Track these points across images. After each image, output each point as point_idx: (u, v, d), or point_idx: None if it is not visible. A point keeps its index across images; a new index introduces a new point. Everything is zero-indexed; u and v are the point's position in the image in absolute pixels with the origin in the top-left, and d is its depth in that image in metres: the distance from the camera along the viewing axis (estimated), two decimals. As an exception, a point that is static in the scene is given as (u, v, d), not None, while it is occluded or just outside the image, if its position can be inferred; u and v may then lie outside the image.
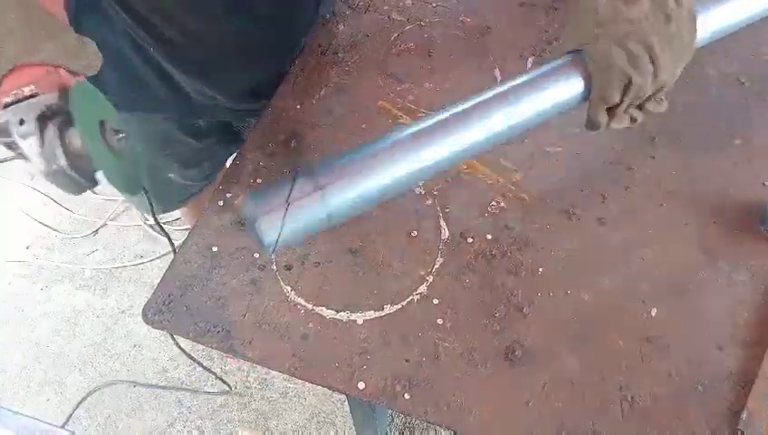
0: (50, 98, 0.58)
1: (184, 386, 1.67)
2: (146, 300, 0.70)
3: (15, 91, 0.58)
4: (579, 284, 0.70)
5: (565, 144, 0.82)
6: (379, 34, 0.95)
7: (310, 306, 0.68)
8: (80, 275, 1.91)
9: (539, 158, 0.80)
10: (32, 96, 0.58)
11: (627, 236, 0.73)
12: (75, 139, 0.58)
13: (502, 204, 0.76)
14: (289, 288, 0.70)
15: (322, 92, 0.88)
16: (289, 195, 0.51)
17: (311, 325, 0.67)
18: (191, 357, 0.87)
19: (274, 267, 0.71)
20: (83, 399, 1.65)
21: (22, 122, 0.57)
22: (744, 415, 0.60)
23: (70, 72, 0.61)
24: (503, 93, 0.61)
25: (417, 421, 1.50)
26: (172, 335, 0.73)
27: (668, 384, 0.63)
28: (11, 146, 0.59)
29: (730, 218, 0.74)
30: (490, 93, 0.61)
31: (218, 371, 1.69)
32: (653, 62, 0.60)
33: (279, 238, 0.52)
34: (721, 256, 0.71)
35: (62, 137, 0.58)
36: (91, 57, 0.63)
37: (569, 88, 0.62)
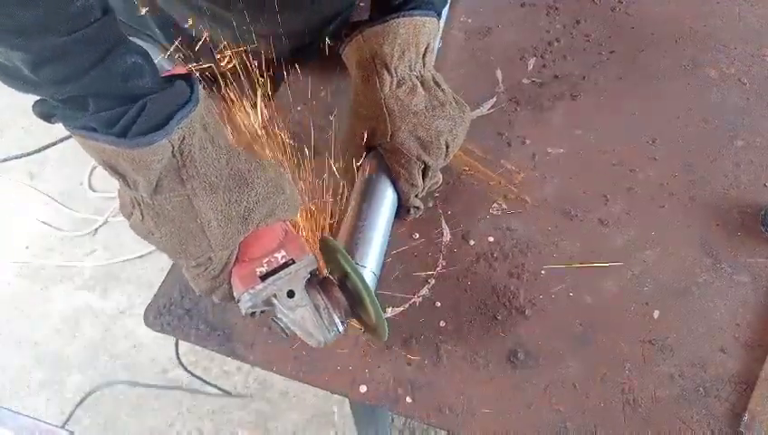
0: (311, 262, 0.55)
1: (184, 386, 1.67)
2: (146, 300, 0.70)
3: (268, 260, 0.55)
4: (581, 286, 0.69)
5: (567, 145, 0.81)
6: (379, 35, 0.95)
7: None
8: (80, 275, 1.91)
9: (540, 159, 0.80)
10: (286, 263, 0.55)
11: (629, 237, 0.73)
12: (342, 298, 0.57)
13: (503, 206, 0.76)
14: (290, 291, 0.70)
15: (323, 93, 0.88)
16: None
17: (312, 328, 0.67)
18: (190, 372, 0.86)
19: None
20: (83, 399, 1.65)
21: (291, 294, 0.54)
22: (745, 417, 0.60)
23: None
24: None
25: (417, 422, 1.50)
26: (177, 351, 0.73)
27: (670, 386, 0.63)
28: (257, 313, 0.57)
29: (732, 220, 0.74)
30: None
31: (218, 370, 1.69)
32: (447, 145, 0.68)
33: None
34: (723, 257, 0.71)
35: (330, 300, 0.56)
36: (298, 201, 0.60)
37: (389, 191, 0.70)
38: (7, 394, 1.70)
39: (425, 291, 0.70)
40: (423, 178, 0.69)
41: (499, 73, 0.90)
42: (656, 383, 0.63)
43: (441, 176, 0.72)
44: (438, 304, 0.68)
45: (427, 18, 0.68)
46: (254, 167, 0.54)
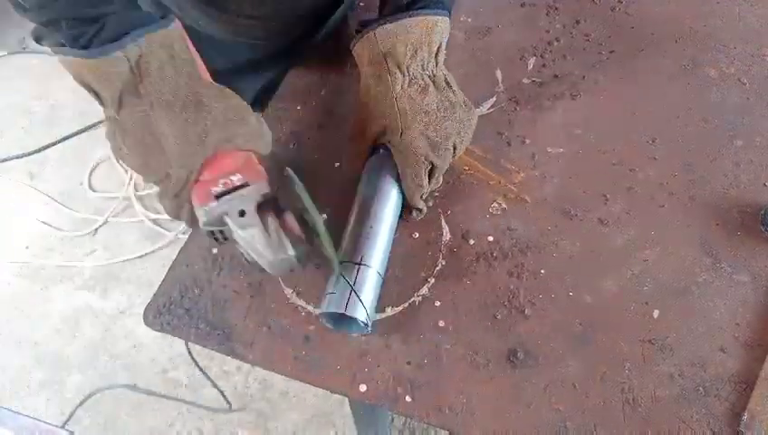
0: (264, 187, 0.59)
1: (184, 385, 1.67)
2: (146, 300, 0.70)
3: (224, 181, 0.59)
4: (581, 285, 0.69)
5: (567, 145, 0.81)
6: (379, 35, 0.95)
7: (311, 308, 0.68)
8: (80, 275, 1.91)
9: (540, 158, 0.80)
10: (242, 186, 0.58)
11: (628, 237, 0.73)
12: (294, 224, 0.58)
13: (503, 205, 0.76)
14: (290, 290, 0.70)
15: (323, 93, 0.88)
16: (354, 283, 0.62)
17: (312, 328, 0.67)
18: (205, 374, 0.87)
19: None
20: (84, 400, 1.65)
21: (242, 213, 0.57)
22: (745, 417, 0.60)
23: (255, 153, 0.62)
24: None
25: (417, 422, 1.50)
26: (189, 350, 0.73)
27: (670, 386, 0.63)
28: (217, 234, 0.60)
29: (732, 220, 0.74)
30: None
31: (218, 370, 1.69)
32: (454, 147, 0.69)
33: (368, 314, 0.62)
34: (723, 257, 0.71)
35: (282, 225, 0.58)
36: (267, 136, 0.64)
37: (394, 190, 0.71)
38: (7, 394, 1.70)
39: (424, 290, 0.70)
40: (429, 179, 0.69)
41: (499, 73, 0.90)
42: (655, 383, 0.63)
43: (442, 177, 0.72)
44: (438, 303, 0.68)
45: (440, 17, 0.68)
46: (213, 93, 0.60)
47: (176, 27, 0.59)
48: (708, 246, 0.72)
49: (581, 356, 0.65)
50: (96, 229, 1.99)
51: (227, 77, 0.97)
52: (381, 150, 0.72)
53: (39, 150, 2.18)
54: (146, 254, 1.93)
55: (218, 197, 0.58)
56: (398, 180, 0.70)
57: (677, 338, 0.66)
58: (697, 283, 0.69)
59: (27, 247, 1.98)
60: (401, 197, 0.71)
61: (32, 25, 0.58)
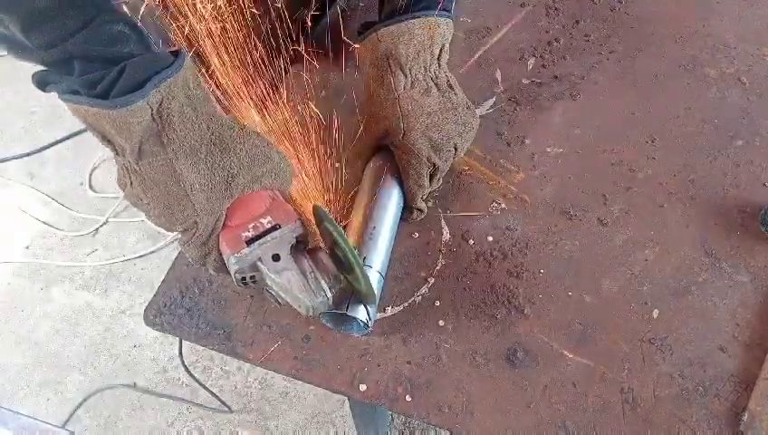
0: (297, 228, 0.56)
1: (184, 385, 1.67)
2: (146, 300, 0.70)
3: (254, 224, 0.56)
4: (580, 285, 0.69)
5: (566, 145, 0.81)
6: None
7: (311, 308, 0.68)
8: (80, 275, 1.91)
9: (540, 159, 0.80)
10: (273, 228, 0.56)
11: (628, 237, 0.73)
12: (330, 264, 0.57)
13: (503, 205, 0.76)
14: (290, 290, 0.70)
15: (322, 93, 0.88)
16: (351, 283, 0.60)
17: (312, 327, 0.67)
18: (199, 382, 0.86)
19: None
20: (84, 400, 1.65)
21: (276, 258, 0.55)
22: (745, 416, 0.60)
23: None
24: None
25: (417, 422, 1.50)
26: (182, 358, 0.72)
27: (670, 386, 0.63)
28: (248, 280, 0.57)
29: (731, 219, 0.74)
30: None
31: (218, 370, 1.69)
32: (455, 148, 0.69)
33: (369, 314, 0.62)
34: (722, 257, 0.71)
35: (318, 266, 0.56)
36: (291, 170, 0.61)
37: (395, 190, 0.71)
38: (7, 394, 1.70)
39: (424, 290, 0.70)
40: (430, 181, 0.70)
41: (498, 73, 0.90)
42: (655, 383, 0.63)
43: (442, 178, 0.73)
44: (438, 303, 0.69)
45: (442, 19, 0.68)
46: (236, 134, 0.56)
47: (189, 65, 0.54)
48: (708, 246, 0.72)
49: (581, 356, 0.65)
50: (96, 229, 1.99)
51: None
52: (383, 151, 0.72)
53: (39, 150, 2.18)
54: (146, 254, 1.92)
55: (249, 242, 0.55)
56: (400, 181, 0.70)
57: (677, 338, 0.66)
58: (697, 283, 0.69)
59: (27, 247, 1.97)
60: (402, 197, 0.71)
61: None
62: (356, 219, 0.68)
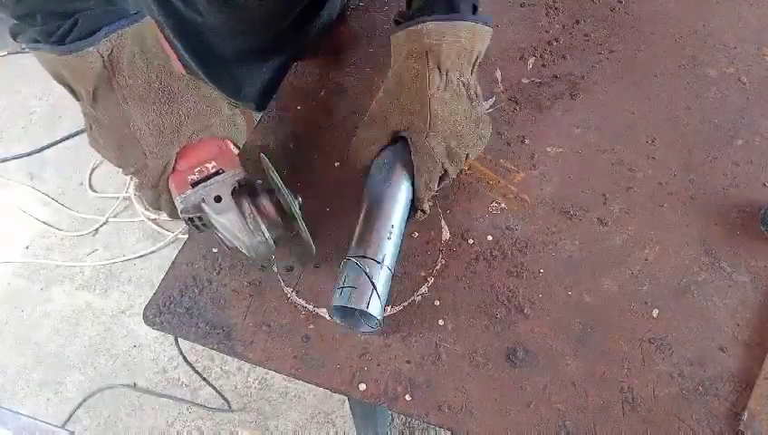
0: (239, 173, 0.61)
1: (184, 385, 1.67)
2: (146, 300, 0.70)
3: (199, 169, 0.61)
4: (580, 285, 0.69)
5: (566, 145, 0.81)
6: (379, 35, 0.95)
7: (311, 308, 0.68)
8: (80, 275, 1.91)
9: (540, 158, 0.80)
10: (217, 173, 0.61)
11: (628, 237, 0.73)
12: (270, 208, 0.61)
13: (503, 205, 0.76)
14: (290, 289, 0.70)
15: (322, 93, 0.88)
16: (371, 280, 0.62)
17: (312, 327, 0.67)
18: (201, 376, 0.86)
19: (275, 269, 0.71)
20: (84, 400, 1.65)
21: (218, 199, 0.59)
22: (745, 416, 0.60)
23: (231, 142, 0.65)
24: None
25: (417, 421, 1.51)
26: (182, 353, 0.73)
27: (670, 385, 0.63)
28: (195, 221, 0.62)
29: (731, 219, 0.74)
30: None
31: (218, 370, 1.69)
32: (467, 157, 0.70)
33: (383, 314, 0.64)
34: (722, 256, 0.71)
35: (258, 209, 0.60)
36: (241, 125, 0.67)
37: (406, 185, 0.70)
38: (7, 394, 1.70)
39: (424, 290, 0.70)
40: (438, 184, 0.70)
41: (498, 73, 0.90)
42: (655, 382, 0.63)
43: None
44: (437, 302, 0.69)
45: (486, 27, 0.68)
46: (185, 85, 0.62)
47: (148, 23, 0.60)
48: (708, 246, 0.72)
49: (581, 355, 0.65)
50: (96, 229, 2.00)
51: (234, 66, 0.98)
52: (398, 144, 0.70)
53: (39, 150, 2.18)
54: (146, 254, 1.93)
55: (194, 184, 0.60)
56: (410, 178, 0.69)
57: (677, 337, 0.66)
58: (697, 282, 0.69)
59: (27, 247, 1.98)
60: (411, 193, 0.70)
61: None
62: (373, 215, 0.67)
